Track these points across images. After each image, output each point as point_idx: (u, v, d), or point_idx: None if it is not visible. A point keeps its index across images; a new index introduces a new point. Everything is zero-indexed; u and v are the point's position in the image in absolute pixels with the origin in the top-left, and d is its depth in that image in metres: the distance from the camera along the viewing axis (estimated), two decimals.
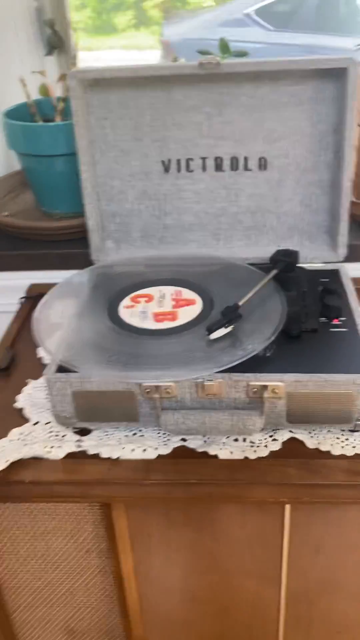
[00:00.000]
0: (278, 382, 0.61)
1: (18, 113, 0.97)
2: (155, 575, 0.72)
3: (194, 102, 0.76)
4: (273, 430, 0.66)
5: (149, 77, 0.75)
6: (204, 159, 0.80)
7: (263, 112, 0.76)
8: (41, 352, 0.81)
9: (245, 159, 0.79)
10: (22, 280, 0.98)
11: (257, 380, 0.62)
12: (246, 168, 0.80)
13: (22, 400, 0.73)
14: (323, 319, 0.70)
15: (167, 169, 0.81)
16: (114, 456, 0.64)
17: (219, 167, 0.80)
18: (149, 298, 0.74)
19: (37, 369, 0.78)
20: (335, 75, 0.73)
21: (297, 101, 0.75)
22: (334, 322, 0.69)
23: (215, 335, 0.65)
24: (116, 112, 0.78)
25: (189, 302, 0.73)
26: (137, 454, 0.64)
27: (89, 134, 0.78)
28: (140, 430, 0.67)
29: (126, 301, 0.74)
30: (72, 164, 0.93)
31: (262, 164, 0.79)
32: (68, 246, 0.97)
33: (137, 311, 0.72)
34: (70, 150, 0.92)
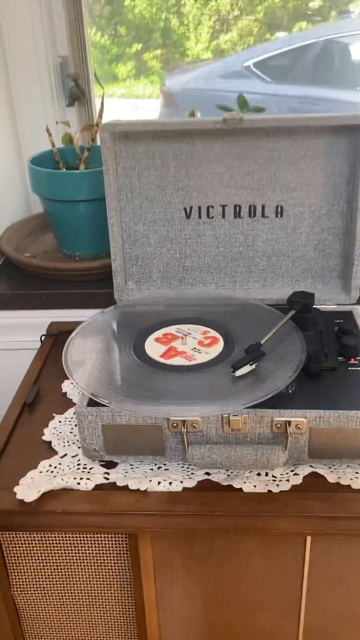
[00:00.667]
0: (301, 418, 0.64)
1: (43, 160, 1.03)
2: (175, 607, 0.73)
3: (216, 155, 0.82)
4: (294, 465, 0.69)
5: (175, 130, 0.80)
6: (223, 206, 0.85)
7: (281, 164, 0.82)
8: (65, 388, 0.84)
9: (263, 206, 0.84)
10: (42, 318, 1.01)
11: (281, 416, 0.65)
12: (263, 215, 0.85)
13: (49, 434, 0.75)
14: (341, 358, 0.73)
15: (188, 215, 0.86)
16: (142, 488, 0.66)
17: (237, 214, 0.85)
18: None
19: (61, 403, 0.81)
20: (349, 130, 0.79)
21: (313, 154, 0.81)
22: (351, 362, 0.73)
23: (241, 372, 0.68)
24: (142, 163, 0.83)
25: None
26: (164, 487, 0.66)
27: (116, 182, 0.83)
28: (164, 464, 0.70)
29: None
30: (93, 208, 0.98)
31: (279, 212, 0.84)
32: (87, 287, 1.01)
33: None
34: (91, 196, 0.98)
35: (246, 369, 0.68)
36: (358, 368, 0.72)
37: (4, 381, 0.98)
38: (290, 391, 0.68)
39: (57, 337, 0.96)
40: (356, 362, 0.73)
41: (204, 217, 0.85)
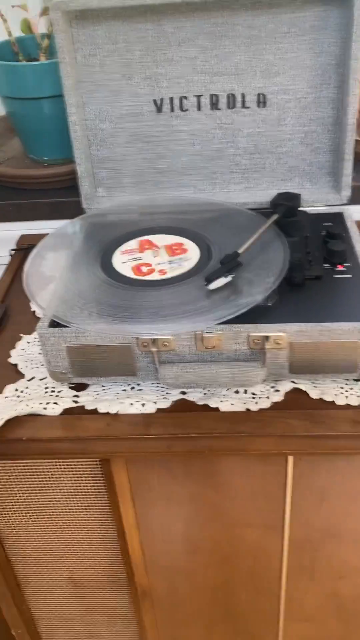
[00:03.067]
0: (280, 333, 0.59)
1: (0, 52, 0.92)
2: (157, 527, 0.71)
3: (187, 35, 0.71)
4: (275, 381, 0.64)
5: (138, 6, 0.69)
6: (198, 96, 0.75)
7: (261, 44, 0.71)
8: (34, 306, 0.78)
9: (243, 95, 0.75)
10: (12, 231, 0.94)
11: (258, 331, 0.59)
12: (244, 105, 0.75)
13: (16, 356, 0.71)
14: (327, 266, 0.67)
15: (159, 109, 0.76)
16: (113, 411, 0.62)
17: (214, 105, 0.76)
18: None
19: (31, 323, 0.76)
20: (340, 0, 0.68)
21: (297, 31, 0.70)
22: (338, 268, 0.66)
23: (215, 285, 0.62)
24: (104, 48, 0.72)
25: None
26: (136, 409, 0.62)
27: (75, 73, 0.73)
28: (138, 385, 0.66)
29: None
30: (60, 106, 0.88)
31: (261, 101, 0.75)
32: (58, 195, 0.93)
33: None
34: (57, 91, 0.87)
35: (221, 281, 0.62)
36: (345, 276, 0.65)
37: None
38: (270, 304, 0.62)
39: (27, 251, 0.89)
40: (343, 269, 0.66)
41: (177, 110, 0.76)
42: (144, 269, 0.67)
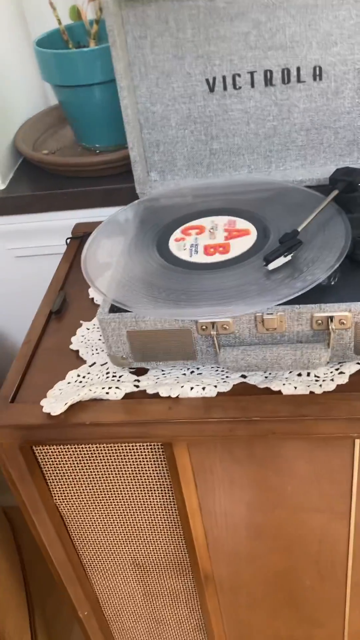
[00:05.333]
0: (345, 312, 0.57)
1: (50, 41, 0.92)
2: (220, 512, 0.71)
3: (239, 9, 0.69)
4: (339, 363, 0.62)
5: None
6: (252, 73, 0.73)
7: (317, 12, 0.68)
8: (92, 293, 0.79)
9: (298, 69, 0.72)
10: (67, 220, 0.95)
11: (322, 311, 0.58)
12: (299, 80, 0.73)
13: (77, 342, 0.71)
14: None
15: (212, 88, 0.75)
16: (174, 395, 0.62)
17: (268, 81, 0.73)
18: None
19: (90, 309, 0.76)
20: None
21: None
22: None
23: (274, 265, 0.61)
24: (154, 29, 0.71)
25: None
26: (197, 392, 0.62)
27: (126, 56, 0.73)
28: (197, 368, 0.65)
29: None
30: (111, 92, 0.88)
31: (317, 74, 0.72)
32: (111, 182, 0.93)
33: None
34: (107, 77, 0.87)
35: (280, 260, 0.61)
36: None
37: (31, 289, 0.94)
38: (332, 283, 0.60)
39: (82, 239, 0.90)
40: None
41: (230, 88, 0.74)
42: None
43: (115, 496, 0.71)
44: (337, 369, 0.62)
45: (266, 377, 0.63)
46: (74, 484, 0.70)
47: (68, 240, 0.91)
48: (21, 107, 1.05)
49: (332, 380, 0.61)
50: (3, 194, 0.96)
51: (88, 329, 0.73)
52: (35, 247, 1.00)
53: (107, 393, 0.63)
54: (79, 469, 0.69)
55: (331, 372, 0.62)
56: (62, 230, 0.94)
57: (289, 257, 0.61)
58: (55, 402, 0.63)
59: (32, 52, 0.94)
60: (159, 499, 0.70)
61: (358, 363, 0.62)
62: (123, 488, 0.70)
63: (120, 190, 0.92)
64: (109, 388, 0.64)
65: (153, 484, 0.69)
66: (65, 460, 0.68)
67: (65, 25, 0.92)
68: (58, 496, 0.71)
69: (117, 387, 0.63)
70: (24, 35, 1.05)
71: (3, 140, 0.99)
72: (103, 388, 0.63)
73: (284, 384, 0.61)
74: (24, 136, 1.01)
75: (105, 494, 0.71)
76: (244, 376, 0.63)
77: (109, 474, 0.69)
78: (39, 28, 0.99)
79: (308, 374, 0.62)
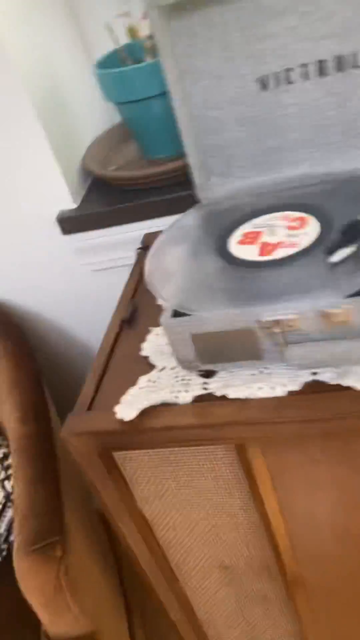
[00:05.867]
0: None
1: (109, 62, 0.95)
2: (302, 513, 0.69)
3: (285, 3, 0.68)
4: None
5: None
6: (304, 65, 0.72)
7: None
8: (160, 300, 0.80)
9: (353, 55, 0.70)
10: (136, 231, 0.98)
11: None
12: (354, 65, 0.71)
13: (147, 348, 0.73)
14: None
15: (264, 86, 0.74)
16: (242, 396, 0.62)
17: (322, 71, 0.72)
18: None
19: (158, 316, 0.77)
20: None
21: None
22: None
23: (337, 257, 0.59)
24: (202, 35, 0.72)
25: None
26: (266, 392, 0.61)
27: (177, 65, 0.74)
28: (266, 368, 0.64)
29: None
30: (167, 103, 0.89)
31: None
32: (176, 190, 0.95)
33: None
34: (164, 89, 0.88)
35: (344, 252, 0.59)
36: None
37: (109, 301, 0.97)
38: None
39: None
40: None
41: (283, 83, 0.73)
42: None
43: (195, 499, 0.72)
44: None
45: (337, 373, 0.61)
46: (155, 487, 0.72)
47: (138, 251, 0.93)
48: (88, 128, 1.09)
49: None
50: (76, 212, 1.01)
51: (157, 335, 0.74)
52: (109, 259, 1.03)
53: (177, 397, 0.64)
54: (158, 473, 0.70)
55: None
56: (133, 241, 0.96)
57: (353, 248, 0.59)
58: (127, 407, 0.65)
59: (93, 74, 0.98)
60: (239, 501, 0.70)
61: None
62: (202, 490, 0.70)
63: (185, 198, 0.93)
64: (178, 392, 0.64)
65: (232, 486, 0.69)
66: (145, 464, 0.69)
67: (124, 44, 0.95)
68: (140, 499, 0.73)
69: (185, 391, 0.64)
70: (85, 58, 1.10)
71: (74, 161, 1.03)
72: (172, 392, 0.64)
73: (357, 379, 0.59)
74: (92, 156, 1.05)
75: (185, 497, 0.72)
76: (314, 373, 0.62)
77: (187, 476, 0.70)
78: (99, 50, 1.03)
79: None
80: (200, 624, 0.89)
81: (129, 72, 0.89)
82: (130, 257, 0.96)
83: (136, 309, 0.81)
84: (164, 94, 0.90)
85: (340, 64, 0.71)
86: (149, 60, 0.93)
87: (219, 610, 0.87)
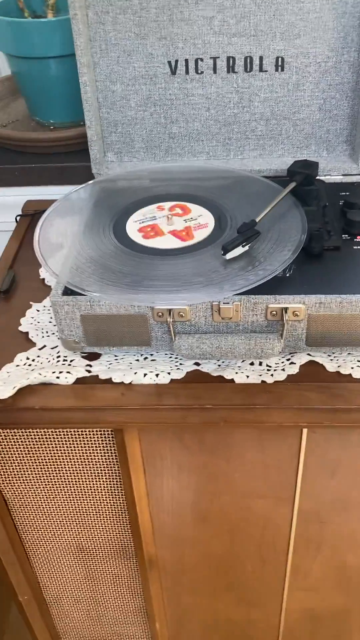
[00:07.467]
0: (299, 304, 0.58)
1: (5, 9, 0.88)
2: (167, 497, 0.71)
3: None
4: (290, 353, 0.63)
5: None
6: (214, 58, 0.72)
7: (282, 3, 0.68)
8: (43, 273, 0.77)
9: (261, 58, 0.72)
10: (17, 196, 0.92)
11: (277, 302, 0.58)
12: (261, 69, 0.73)
13: (27, 324, 0.69)
14: (346, 236, 0.65)
15: (174, 70, 0.73)
16: (127, 381, 0.61)
17: (231, 68, 0.73)
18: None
19: (40, 290, 0.74)
20: None
21: None
22: (357, 239, 0.65)
23: (232, 254, 0.61)
24: (117, 5, 0.69)
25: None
26: (150, 379, 0.62)
27: (87, 31, 0.70)
28: (151, 355, 0.65)
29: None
30: (67, 67, 0.85)
31: (279, 65, 0.72)
32: (65, 159, 0.91)
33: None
34: (64, 51, 0.84)
35: (238, 250, 0.61)
36: None
37: None
38: (288, 275, 0.61)
39: (33, 217, 0.87)
40: None
41: (192, 72, 0.73)
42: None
43: (62, 479, 0.70)
44: (288, 359, 0.63)
45: (219, 366, 0.63)
46: (20, 466, 0.69)
47: (18, 218, 0.88)
48: None
49: (283, 370, 0.62)
50: None
51: (38, 311, 0.71)
52: None
53: (58, 377, 0.62)
54: (26, 453, 0.67)
55: (282, 362, 0.63)
56: (12, 207, 0.91)
57: (246, 248, 0.61)
58: (3, 385, 0.61)
59: None
60: (107, 483, 0.70)
61: (309, 354, 0.63)
62: (70, 472, 0.69)
63: (75, 169, 0.89)
64: (60, 372, 0.62)
65: (101, 468, 0.68)
66: (12, 444, 0.66)
67: None
68: (2, 478, 0.70)
69: (68, 372, 0.62)
70: None
71: None
72: (54, 372, 0.62)
73: (236, 373, 0.62)
74: None
75: (51, 478, 0.70)
76: (197, 364, 0.63)
77: (56, 458, 0.68)
78: None
79: (260, 364, 0.63)
80: (47, 604, 0.88)
81: (29, 25, 0.83)
82: (7, 223, 0.91)
83: (14, 280, 0.77)
84: (62, 57, 0.85)
85: (249, 64, 0.73)
86: (50, 16, 0.88)
87: (68, 589, 0.86)
